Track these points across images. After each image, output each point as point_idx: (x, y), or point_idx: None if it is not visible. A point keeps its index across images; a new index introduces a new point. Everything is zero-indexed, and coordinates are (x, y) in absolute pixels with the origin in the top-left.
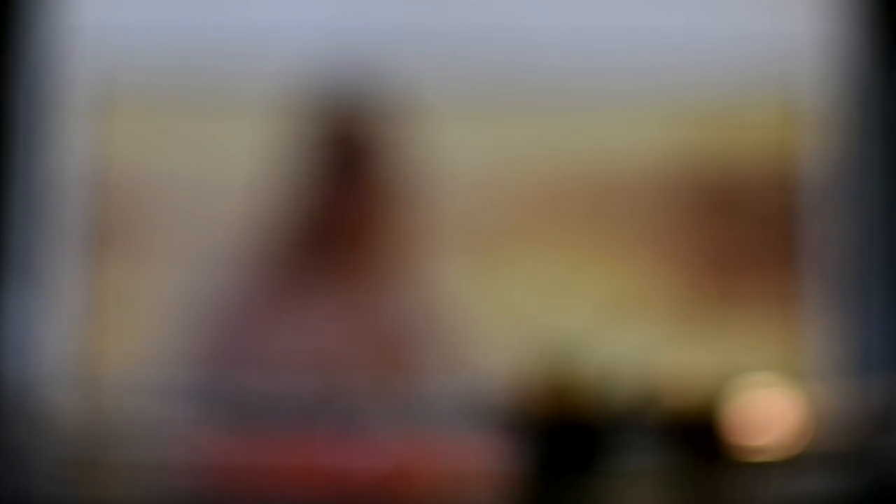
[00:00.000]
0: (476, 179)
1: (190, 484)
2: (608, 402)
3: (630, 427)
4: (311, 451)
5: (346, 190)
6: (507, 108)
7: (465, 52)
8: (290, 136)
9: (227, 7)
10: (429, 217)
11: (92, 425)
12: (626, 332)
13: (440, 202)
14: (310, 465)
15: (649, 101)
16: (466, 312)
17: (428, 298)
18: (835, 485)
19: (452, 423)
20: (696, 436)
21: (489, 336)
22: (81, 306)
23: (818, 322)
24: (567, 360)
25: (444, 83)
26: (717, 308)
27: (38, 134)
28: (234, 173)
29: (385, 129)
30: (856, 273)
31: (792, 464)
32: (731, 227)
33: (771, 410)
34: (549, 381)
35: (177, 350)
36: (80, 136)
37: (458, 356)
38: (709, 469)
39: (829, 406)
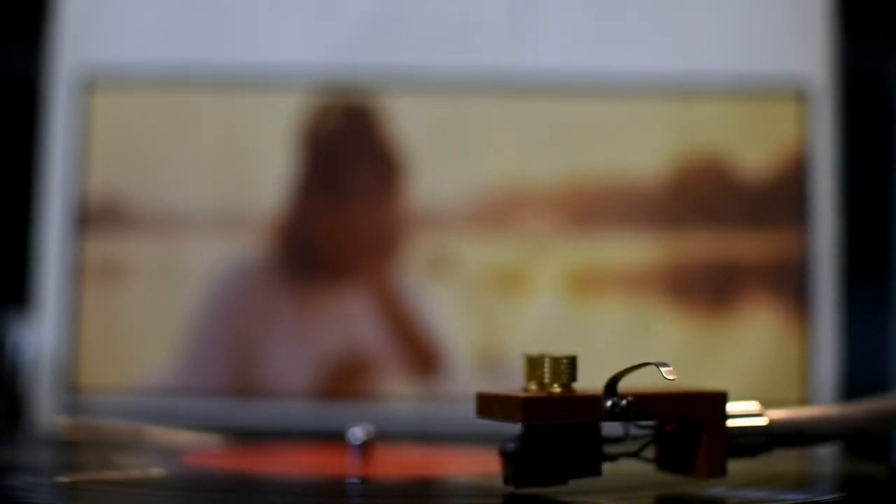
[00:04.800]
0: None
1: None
2: (604, 410)
3: (625, 435)
4: (306, 465)
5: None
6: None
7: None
8: (289, 153)
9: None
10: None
11: (79, 441)
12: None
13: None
14: (304, 477)
15: (656, 100)
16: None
17: (421, 299)
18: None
19: (448, 427)
20: (693, 446)
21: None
22: (68, 278)
23: (831, 329)
24: (565, 365)
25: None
26: (723, 316)
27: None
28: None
29: (383, 148)
30: (871, 279)
31: (789, 479)
32: (738, 231)
33: (772, 422)
34: (544, 385)
35: (184, 348)
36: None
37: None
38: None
39: (836, 422)
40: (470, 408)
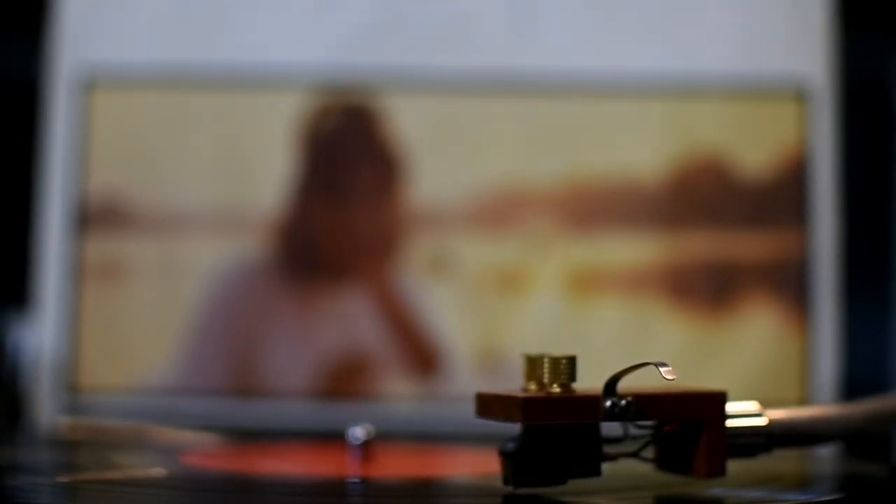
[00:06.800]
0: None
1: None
2: (604, 410)
3: (624, 435)
4: (306, 465)
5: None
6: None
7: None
8: (290, 154)
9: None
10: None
11: (79, 441)
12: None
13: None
14: (304, 477)
15: (656, 100)
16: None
17: (415, 299)
18: None
19: (448, 427)
20: (692, 446)
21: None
22: (68, 278)
23: (831, 329)
24: (564, 365)
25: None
26: (723, 316)
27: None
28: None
29: (385, 148)
30: (871, 279)
31: (789, 480)
32: (738, 231)
33: (771, 422)
34: (543, 385)
35: (184, 346)
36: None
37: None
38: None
39: (836, 422)
40: (470, 408)
